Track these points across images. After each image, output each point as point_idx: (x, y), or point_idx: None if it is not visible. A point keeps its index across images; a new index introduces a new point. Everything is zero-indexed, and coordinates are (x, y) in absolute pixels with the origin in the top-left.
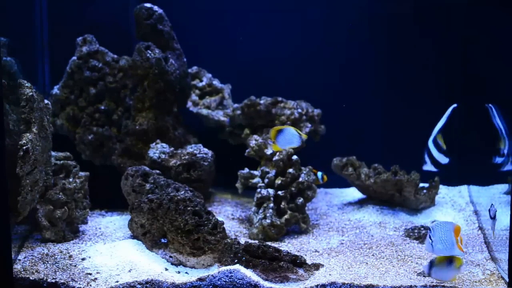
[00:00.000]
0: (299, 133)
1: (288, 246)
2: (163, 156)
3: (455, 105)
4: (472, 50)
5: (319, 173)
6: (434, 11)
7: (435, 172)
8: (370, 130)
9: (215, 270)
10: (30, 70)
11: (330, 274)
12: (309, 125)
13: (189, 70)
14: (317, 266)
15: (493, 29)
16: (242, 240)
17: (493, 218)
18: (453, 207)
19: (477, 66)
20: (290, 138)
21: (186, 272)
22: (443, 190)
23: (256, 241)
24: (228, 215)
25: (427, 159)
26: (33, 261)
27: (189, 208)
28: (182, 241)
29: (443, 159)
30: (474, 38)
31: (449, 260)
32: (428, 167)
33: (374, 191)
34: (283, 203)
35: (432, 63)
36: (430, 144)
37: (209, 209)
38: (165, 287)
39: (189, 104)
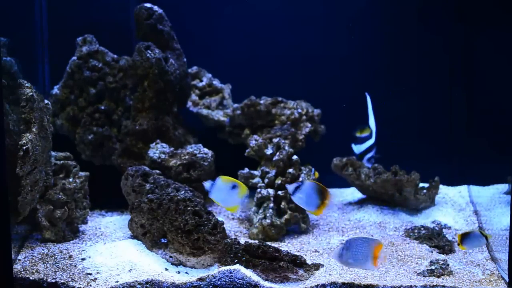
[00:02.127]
0: (484, 235)
1: (288, 246)
2: (163, 156)
3: (366, 93)
4: (475, 50)
5: (312, 169)
6: (435, 10)
7: (435, 172)
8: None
9: (215, 270)
10: (30, 70)
11: (330, 274)
12: (309, 125)
13: (189, 70)
14: (317, 266)
15: (496, 28)
16: (242, 240)
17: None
18: (453, 207)
19: (479, 66)
20: (478, 242)
21: (186, 272)
22: (443, 190)
23: (256, 241)
24: (228, 215)
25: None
26: (33, 261)
27: (189, 208)
28: (182, 241)
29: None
30: (476, 37)
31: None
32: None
33: (374, 191)
34: (283, 203)
35: (433, 63)
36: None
37: (209, 209)
38: (165, 287)
39: (189, 104)
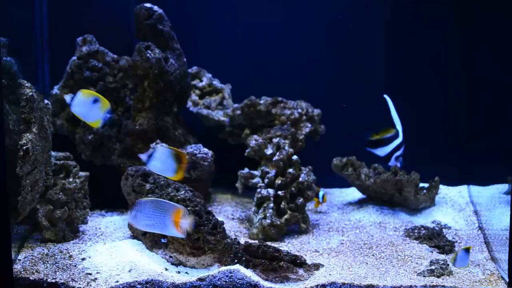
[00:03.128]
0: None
1: (288, 246)
2: None
3: (385, 96)
4: (475, 50)
5: (321, 192)
6: (436, 10)
7: (435, 172)
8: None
9: (215, 270)
10: (30, 70)
11: (330, 274)
12: (309, 125)
13: (189, 70)
14: (317, 266)
15: (495, 29)
16: (242, 240)
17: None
18: (453, 207)
19: (479, 66)
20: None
21: (186, 272)
22: (443, 190)
23: (256, 241)
24: (228, 215)
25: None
26: (33, 261)
27: (189, 208)
28: (182, 241)
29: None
30: (476, 36)
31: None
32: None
33: (374, 191)
34: (283, 203)
35: (433, 63)
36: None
37: (209, 209)
38: (165, 287)
39: (189, 104)
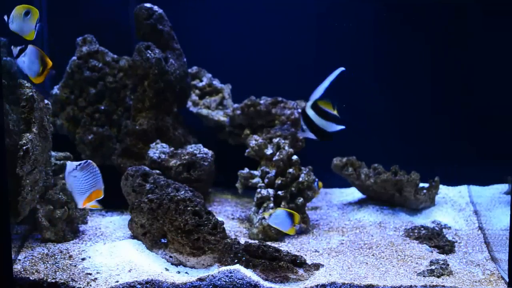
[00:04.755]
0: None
1: (288, 246)
2: (163, 156)
3: (342, 68)
4: (475, 50)
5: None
6: (434, 10)
7: (435, 172)
8: (370, 130)
9: (215, 270)
10: None
11: (330, 274)
12: None
13: (189, 70)
14: (317, 266)
15: (492, 29)
16: (242, 240)
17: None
18: (453, 207)
19: (480, 65)
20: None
21: (186, 272)
22: (443, 190)
23: (256, 241)
24: (228, 215)
25: (303, 126)
26: (33, 261)
27: (189, 208)
28: (182, 241)
29: (331, 126)
30: (473, 37)
31: None
32: (306, 134)
33: (374, 191)
34: (283, 203)
35: (432, 63)
36: (308, 109)
37: (209, 209)
38: (165, 287)
39: (189, 104)
